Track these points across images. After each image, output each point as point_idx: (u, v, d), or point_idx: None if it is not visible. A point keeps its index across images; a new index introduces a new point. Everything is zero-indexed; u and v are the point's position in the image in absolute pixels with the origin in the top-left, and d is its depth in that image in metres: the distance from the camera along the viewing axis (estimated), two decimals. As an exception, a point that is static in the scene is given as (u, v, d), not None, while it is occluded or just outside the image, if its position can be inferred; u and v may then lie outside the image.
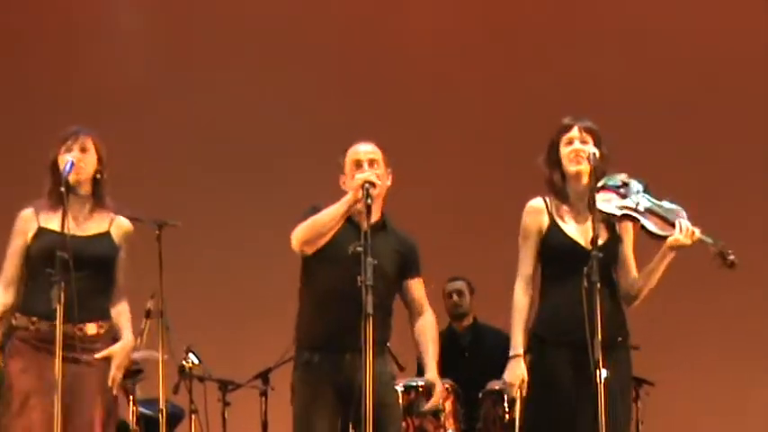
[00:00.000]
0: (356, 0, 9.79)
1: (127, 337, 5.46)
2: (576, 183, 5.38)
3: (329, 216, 5.58)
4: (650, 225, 5.27)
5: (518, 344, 5.41)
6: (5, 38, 9.49)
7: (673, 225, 5.27)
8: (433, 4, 9.75)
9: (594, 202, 5.21)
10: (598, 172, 5.32)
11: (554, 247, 5.38)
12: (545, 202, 5.42)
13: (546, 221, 5.40)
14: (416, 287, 5.83)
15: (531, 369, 5.39)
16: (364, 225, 5.42)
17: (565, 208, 5.40)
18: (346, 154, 5.77)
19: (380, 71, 9.58)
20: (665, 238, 5.26)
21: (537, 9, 9.74)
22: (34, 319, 5.25)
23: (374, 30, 9.63)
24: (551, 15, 9.68)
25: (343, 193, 5.67)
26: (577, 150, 5.35)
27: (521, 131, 9.29)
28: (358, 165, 5.68)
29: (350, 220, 5.65)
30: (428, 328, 5.85)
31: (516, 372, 5.41)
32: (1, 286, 5.40)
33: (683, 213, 5.27)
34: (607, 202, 5.31)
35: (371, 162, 5.69)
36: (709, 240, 5.18)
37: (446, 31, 9.64)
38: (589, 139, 5.37)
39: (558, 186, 5.42)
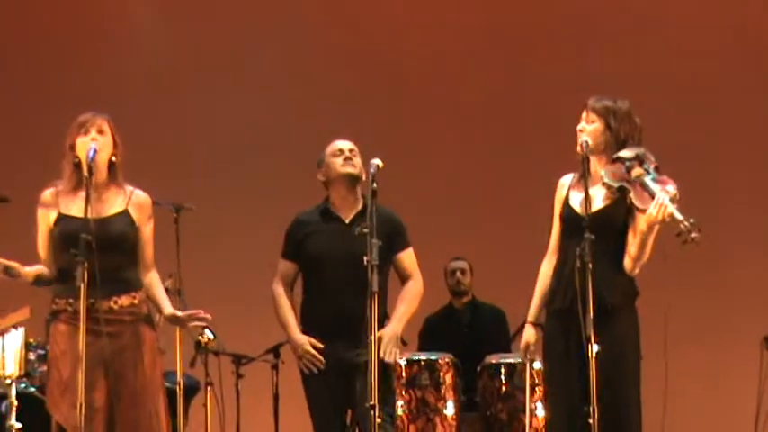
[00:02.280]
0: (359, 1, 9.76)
1: (167, 308, 5.51)
2: (594, 159, 5.34)
3: (280, 323, 6.06)
4: (635, 197, 5.18)
5: (531, 311, 5.46)
6: (32, 35, 9.46)
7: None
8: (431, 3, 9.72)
9: (587, 186, 5.16)
10: (606, 150, 5.29)
11: (562, 218, 5.39)
12: (572, 176, 5.41)
13: (564, 195, 5.41)
14: (406, 258, 5.98)
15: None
16: (345, 217, 5.81)
17: (582, 183, 5.29)
18: (326, 151, 6.03)
19: (381, 65, 9.55)
20: (644, 211, 5.20)
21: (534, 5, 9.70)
22: (71, 300, 5.24)
23: (374, 29, 9.61)
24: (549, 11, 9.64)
25: (319, 186, 6.02)
26: (579, 130, 5.34)
27: (520, 117, 9.30)
28: (340, 153, 5.95)
29: (329, 216, 5.93)
30: (407, 291, 5.97)
31: (525, 338, 5.48)
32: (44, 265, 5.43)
33: (672, 190, 5.14)
34: (612, 174, 5.25)
35: (351, 151, 5.96)
36: (679, 217, 5.04)
37: (442, 24, 9.60)
38: (595, 118, 5.33)
39: (580, 162, 5.36)
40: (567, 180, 5.43)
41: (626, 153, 5.26)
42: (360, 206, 5.94)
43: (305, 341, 5.87)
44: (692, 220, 4.99)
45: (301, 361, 5.90)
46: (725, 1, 9.59)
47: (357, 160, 5.95)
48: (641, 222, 5.16)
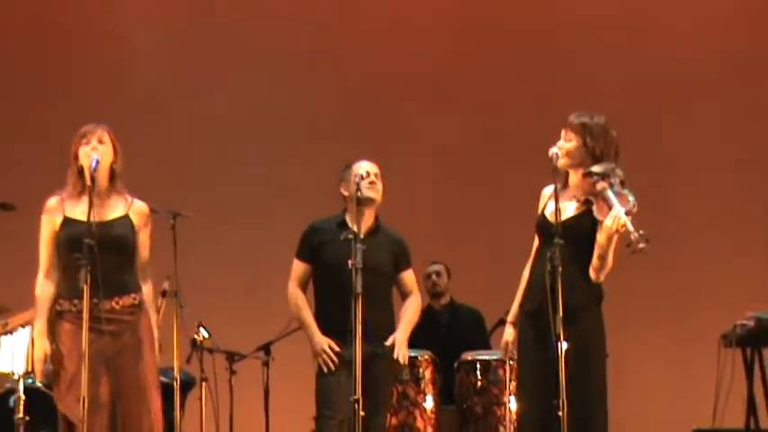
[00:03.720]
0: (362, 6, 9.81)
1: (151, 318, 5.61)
2: (570, 173, 5.49)
3: (301, 324, 6.26)
4: (596, 209, 5.29)
5: (510, 312, 5.59)
6: (38, 52, 9.52)
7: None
8: (431, 5, 9.78)
9: (557, 196, 5.30)
10: (579, 165, 5.41)
11: (537, 226, 5.51)
12: (553, 188, 5.39)
13: (543, 205, 5.53)
14: (407, 277, 6.38)
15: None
16: (356, 229, 5.98)
17: (561, 192, 5.41)
18: (352, 167, 6.24)
19: (367, 73, 9.57)
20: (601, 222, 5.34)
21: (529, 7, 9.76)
22: (75, 301, 5.34)
23: (362, 37, 9.65)
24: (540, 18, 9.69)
25: (340, 198, 6.24)
26: (559, 147, 5.44)
27: (502, 124, 9.34)
28: (366, 176, 6.15)
29: (345, 228, 6.12)
30: (408, 306, 6.37)
31: (504, 337, 5.63)
32: (42, 277, 5.49)
33: (630, 205, 5.22)
34: (581, 188, 5.39)
35: (375, 175, 6.19)
36: (630, 228, 5.13)
37: (440, 27, 9.64)
38: (572, 135, 5.42)
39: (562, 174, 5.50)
40: (548, 191, 5.52)
41: (597, 168, 5.38)
42: (371, 222, 6.21)
43: (325, 342, 6.11)
44: (641, 232, 5.10)
45: (319, 358, 6.12)
46: (710, 10, 9.62)
47: (380, 185, 6.21)
48: (600, 233, 5.27)
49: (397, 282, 6.32)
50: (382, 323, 6.17)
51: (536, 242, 5.55)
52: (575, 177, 5.47)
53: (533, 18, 9.59)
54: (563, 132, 5.48)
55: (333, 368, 6.07)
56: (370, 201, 6.13)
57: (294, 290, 6.25)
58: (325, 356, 6.09)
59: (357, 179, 6.08)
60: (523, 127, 8.84)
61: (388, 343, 6.15)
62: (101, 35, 9.53)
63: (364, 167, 6.20)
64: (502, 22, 9.60)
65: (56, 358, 5.40)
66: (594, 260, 5.32)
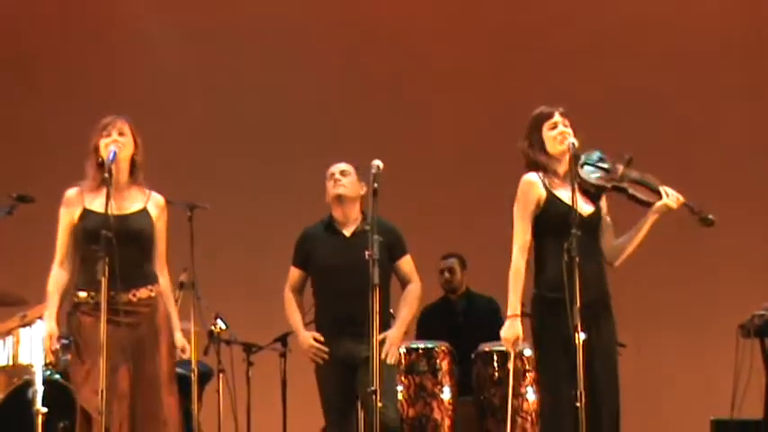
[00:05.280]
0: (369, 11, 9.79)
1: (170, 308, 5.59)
2: (561, 161, 5.42)
3: (289, 323, 6.34)
4: (638, 194, 5.37)
5: (515, 305, 5.38)
6: (57, 47, 9.52)
7: (657, 193, 5.37)
8: (433, 8, 9.75)
9: (574, 186, 5.24)
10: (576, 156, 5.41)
11: (556, 216, 5.32)
12: (539, 176, 5.40)
13: (543, 194, 5.37)
14: (404, 265, 6.27)
15: (536, 327, 5.39)
16: (346, 231, 6.15)
17: (556, 181, 5.39)
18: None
19: (380, 70, 9.57)
20: (651, 204, 5.35)
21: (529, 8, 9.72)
22: (92, 293, 5.32)
23: (375, 38, 9.64)
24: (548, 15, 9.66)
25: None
26: (564, 132, 5.40)
27: (511, 117, 9.26)
28: (331, 176, 6.23)
29: (332, 230, 6.22)
30: (407, 295, 6.27)
31: (513, 330, 5.41)
32: (56, 265, 5.49)
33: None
34: (595, 177, 5.37)
35: (341, 173, 6.21)
36: (692, 204, 5.35)
37: (441, 30, 9.61)
38: (567, 122, 5.44)
39: (543, 165, 5.42)
40: (536, 178, 5.40)
41: (593, 156, 5.42)
42: (359, 220, 6.22)
43: (308, 336, 6.17)
44: (699, 207, 5.27)
45: (309, 355, 6.14)
46: (707, 6, 9.61)
47: (347, 179, 6.20)
48: (650, 214, 5.35)
49: (395, 271, 6.23)
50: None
51: (525, 233, 5.35)
52: (562, 167, 5.41)
53: (549, 17, 9.59)
54: (561, 119, 5.43)
55: (325, 358, 6.08)
56: (339, 198, 6.18)
57: (287, 294, 6.34)
58: (313, 351, 6.12)
59: (328, 181, 6.21)
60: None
61: (378, 339, 5.78)
62: (120, 32, 9.58)
63: (332, 168, 6.27)
64: (528, 17, 9.59)
65: (73, 350, 5.40)
66: (629, 247, 5.39)
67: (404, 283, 6.27)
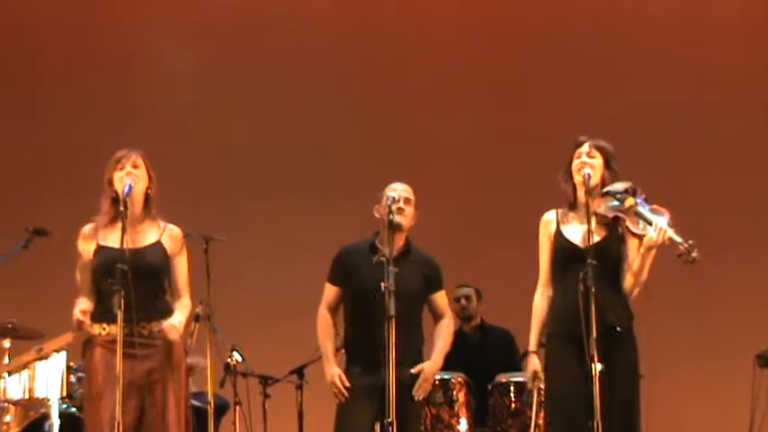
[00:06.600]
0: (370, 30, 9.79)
1: (176, 317, 5.43)
2: (581, 191, 5.41)
3: (320, 346, 6.11)
4: (631, 224, 5.30)
5: (532, 341, 5.49)
6: (72, 80, 9.54)
7: (650, 225, 5.30)
8: (435, 13, 9.74)
9: (589, 217, 5.21)
10: (600, 186, 5.38)
11: (557, 251, 5.44)
12: (556, 213, 5.50)
13: (553, 229, 5.46)
14: (439, 299, 6.18)
15: (545, 361, 5.41)
16: (386, 251, 5.82)
17: (571, 215, 5.45)
18: (385, 191, 6.09)
19: (390, 91, 9.56)
20: (643, 236, 5.28)
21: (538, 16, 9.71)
22: (105, 325, 5.32)
23: (383, 56, 9.65)
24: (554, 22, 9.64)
25: (376, 220, 6.04)
26: (583, 162, 5.42)
27: (529, 146, 9.26)
28: (394, 201, 5.99)
29: (375, 251, 5.98)
30: (441, 329, 6.17)
31: (530, 366, 5.50)
32: (85, 298, 5.42)
33: (666, 217, 5.26)
34: (605, 206, 5.33)
35: (406, 200, 6.03)
36: (678, 239, 5.17)
37: (450, 49, 9.62)
38: (597, 155, 5.44)
39: (569, 194, 5.47)
40: (552, 216, 5.50)
41: (617, 186, 5.37)
42: (402, 245, 6.04)
43: (336, 374, 5.98)
44: (690, 242, 5.09)
45: (332, 389, 5.99)
46: (707, 25, 9.58)
47: (409, 209, 6.03)
48: (630, 249, 5.29)
49: (429, 304, 6.16)
50: (411, 349, 5.96)
51: (545, 269, 5.44)
52: (585, 197, 5.37)
53: (565, 23, 9.61)
54: (589, 150, 5.42)
55: (345, 397, 5.92)
56: (397, 226, 5.97)
57: (323, 313, 6.11)
58: (336, 388, 5.95)
59: (389, 201, 5.97)
60: (555, 146, 8.86)
61: (414, 371, 5.90)
62: (137, 62, 9.60)
63: (396, 190, 6.07)
64: (538, 36, 9.61)
65: (86, 381, 5.39)
66: (630, 277, 5.33)
67: (436, 316, 6.17)
